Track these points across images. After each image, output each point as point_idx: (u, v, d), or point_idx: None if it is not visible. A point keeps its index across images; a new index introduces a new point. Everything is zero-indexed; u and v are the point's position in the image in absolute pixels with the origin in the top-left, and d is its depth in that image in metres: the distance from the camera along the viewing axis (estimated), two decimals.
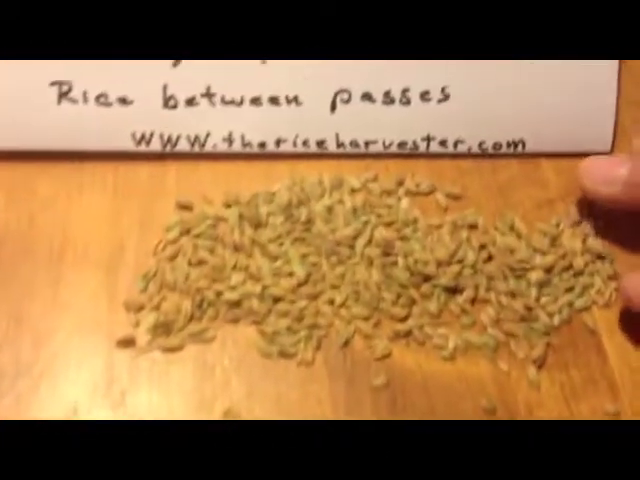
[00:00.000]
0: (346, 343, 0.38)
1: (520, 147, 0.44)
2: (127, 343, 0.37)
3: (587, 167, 0.38)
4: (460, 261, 0.40)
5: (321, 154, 0.43)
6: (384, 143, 0.44)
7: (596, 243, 0.41)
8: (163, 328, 0.37)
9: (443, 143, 0.44)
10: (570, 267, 0.40)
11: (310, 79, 0.42)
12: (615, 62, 0.42)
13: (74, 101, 0.41)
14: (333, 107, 0.42)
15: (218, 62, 0.41)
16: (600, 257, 0.41)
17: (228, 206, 0.41)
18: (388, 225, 0.41)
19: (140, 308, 0.38)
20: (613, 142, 0.44)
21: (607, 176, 0.37)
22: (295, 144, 0.43)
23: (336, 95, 0.42)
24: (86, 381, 0.36)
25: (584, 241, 0.41)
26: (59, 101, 0.41)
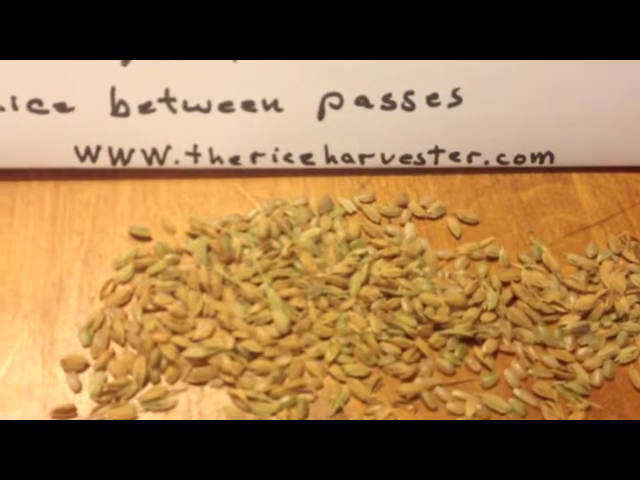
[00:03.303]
0: (339, 410, 0.35)
1: (547, 160, 0.42)
2: (65, 413, 0.35)
3: None
4: (478, 304, 0.38)
5: (307, 170, 0.42)
6: (383, 157, 0.42)
7: None
8: (111, 394, 0.35)
9: (454, 156, 0.42)
10: (612, 310, 0.38)
11: (293, 80, 0.39)
12: None
13: (0, 109, 0.38)
14: (321, 114, 0.40)
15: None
16: None
17: (193, 236, 0.39)
18: (389, 259, 0.39)
19: (82, 368, 0.36)
20: None
21: None
22: (275, 159, 0.41)
23: (324, 99, 0.40)
24: None
25: (628, 277, 0.39)
26: None
